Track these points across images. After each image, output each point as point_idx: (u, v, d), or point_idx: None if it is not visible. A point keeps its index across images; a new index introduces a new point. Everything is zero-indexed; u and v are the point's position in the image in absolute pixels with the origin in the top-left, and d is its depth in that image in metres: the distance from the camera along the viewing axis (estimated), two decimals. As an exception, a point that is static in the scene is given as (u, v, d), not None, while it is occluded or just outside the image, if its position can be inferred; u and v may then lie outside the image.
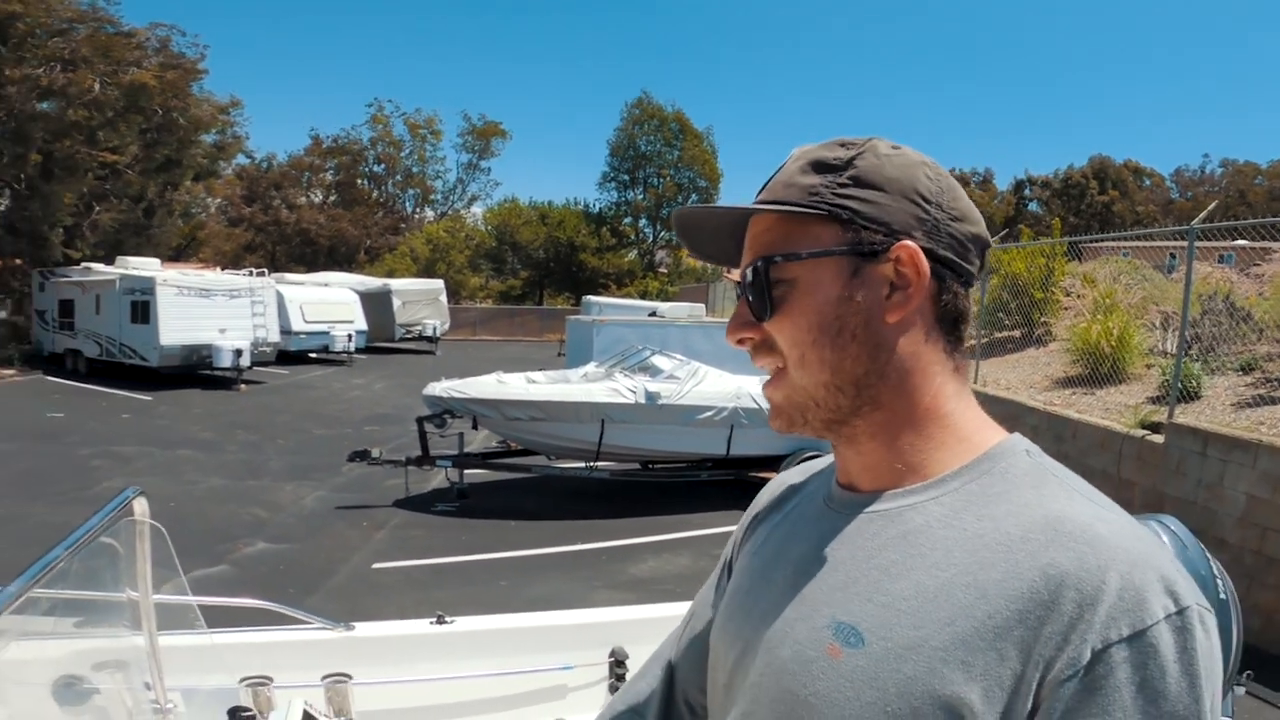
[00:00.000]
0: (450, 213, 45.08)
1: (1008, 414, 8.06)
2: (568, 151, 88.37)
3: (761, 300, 0.74)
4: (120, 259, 19.51)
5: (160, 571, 1.82)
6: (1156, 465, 6.08)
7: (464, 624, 2.70)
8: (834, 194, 0.72)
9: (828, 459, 0.88)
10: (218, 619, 2.59)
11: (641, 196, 42.80)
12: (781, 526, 0.84)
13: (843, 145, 0.74)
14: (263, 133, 71.31)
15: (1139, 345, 8.03)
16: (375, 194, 44.25)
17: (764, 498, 0.93)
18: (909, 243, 0.71)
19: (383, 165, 44.11)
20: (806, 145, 0.77)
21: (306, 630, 2.48)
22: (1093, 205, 43.07)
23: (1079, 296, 10.04)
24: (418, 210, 45.59)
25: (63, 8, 20.09)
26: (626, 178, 42.91)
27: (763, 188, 0.77)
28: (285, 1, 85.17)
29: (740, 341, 0.76)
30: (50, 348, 19.50)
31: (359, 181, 43.77)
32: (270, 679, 1.86)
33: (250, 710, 1.40)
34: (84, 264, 19.87)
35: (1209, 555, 1.75)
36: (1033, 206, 45.90)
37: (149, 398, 15.33)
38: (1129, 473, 6.31)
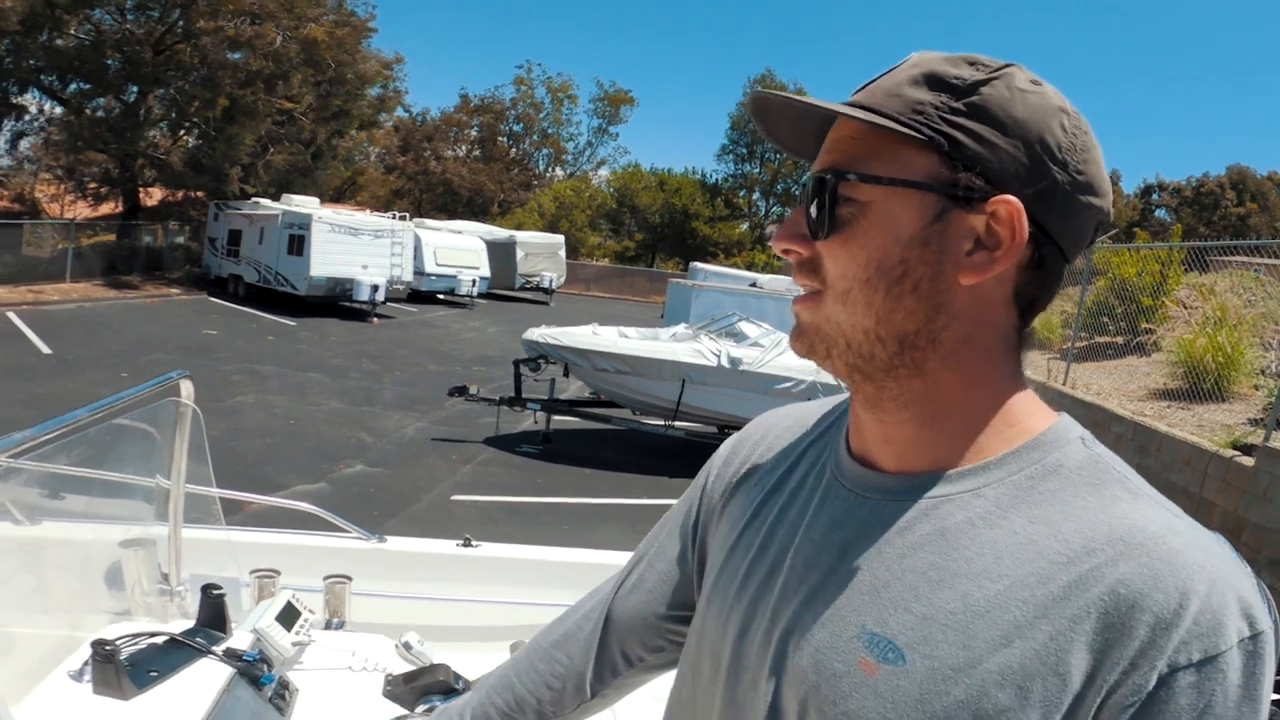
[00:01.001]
0: (579, 174, 45.72)
1: (1093, 420, 7.56)
2: (690, 121, 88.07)
3: (820, 217, 0.61)
4: (286, 196, 20.58)
5: (193, 463, 1.93)
6: (1242, 489, 5.59)
7: (487, 550, 2.78)
8: (942, 118, 0.59)
9: (830, 402, 0.77)
10: (271, 518, 2.79)
11: (758, 171, 42.33)
12: (778, 495, 0.72)
13: (971, 64, 0.60)
14: (419, 89, 73.91)
15: (1249, 364, 7.33)
16: (513, 151, 45.33)
17: (744, 447, 0.80)
18: (1012, 198, 0.58)
19: (522, 125, 45.10)
20: (930, 52, 0.62)
21: (342, 538, 2.64)
22: (1226, 216, 38.92)
23: (1191, 308, 9.23)
24: (549, 169, 46.48)
25: None
26: (744, 151, 42.48)
27: (863, 86, 0.63)
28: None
29: (786, 252, 0.65)
30: (217, 272, 20.95)
31: (499, 139, 44.89)
32: (277, 572, 2.00)
33: (220, 589, 1.51)
34: (254, 199, 21.13)
35: (1256, 582, 1.58)
36: (1160, 213, 42.00)
37: (293, 323, 16.35)
38: (1211, 493, 5.83)
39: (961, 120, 0.58)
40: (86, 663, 1.29)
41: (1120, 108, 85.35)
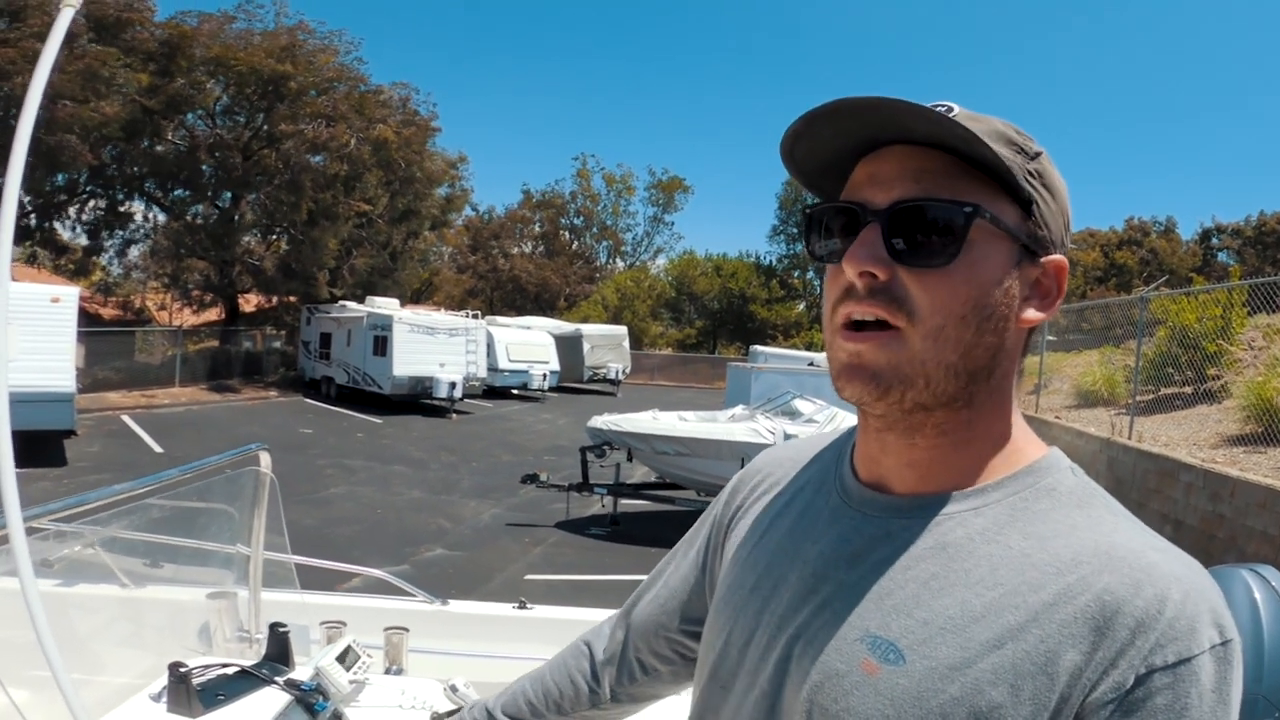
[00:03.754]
0: (638, 264, 45.85)
1: (1161, 470, 7.22)
2: (740, 201, 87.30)
3: (927, 246, 0.61)
4: (369, 299, 21.16)
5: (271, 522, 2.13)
6: (1326, 533, 5.23)
7: (541, 611, 2.88)
8: (1025, 177, 0.63)
9: (827, 438, 0.82)
10: (344, 582, 2.96)
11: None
12: (784, 518, 0.75)
13: (1019, 132, 0.64)
14: (482, 184, 73.74)
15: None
16: (574, 244, 45.83)
17: (751, 479, 0.84)
18: (1062, 258, 0.66)
19: (581, 218, 45.57)
20: (962, 108, 0.63)
21: (408, 601, 2.79)
22: (1293, 254, 36.54)
23: (1262, 349, 8.81)
24: (610, 261, 46.70)
25: (327, 67, 21.23)
26: (795, 230, 42.42)
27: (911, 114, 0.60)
28: (493, 59, 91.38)
29: (861, 275, 0.62)
30: (311, 374, 21.68)
31: (560, 233, 45.24)
32: (344, 624, 2.15)
33: (285, 626, 1.67)
34: (341, 302, 21.76)
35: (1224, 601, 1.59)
36: (1223, 256, 39.41)
37: (379, 421, 17.00)
38: (1292, 538, 5.46)
39: (1035, 182, 0.63)
40: (165, 687, 1.45)
41: (1166, 149, 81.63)
